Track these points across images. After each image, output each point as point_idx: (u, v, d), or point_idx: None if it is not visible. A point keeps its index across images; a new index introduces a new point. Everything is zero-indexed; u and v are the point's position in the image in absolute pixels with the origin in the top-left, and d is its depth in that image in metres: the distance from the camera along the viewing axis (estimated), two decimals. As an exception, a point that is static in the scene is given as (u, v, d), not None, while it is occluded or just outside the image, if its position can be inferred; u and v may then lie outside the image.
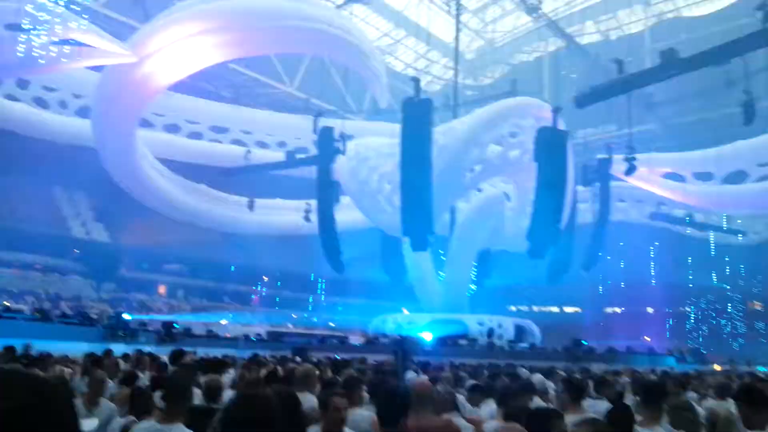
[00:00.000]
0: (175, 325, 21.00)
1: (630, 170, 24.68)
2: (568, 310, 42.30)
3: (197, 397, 5.55)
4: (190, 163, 29.69)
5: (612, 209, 28.72)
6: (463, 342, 24.43)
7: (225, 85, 35.78)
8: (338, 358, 12.85)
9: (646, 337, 34.62)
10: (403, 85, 33.00)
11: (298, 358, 11.80)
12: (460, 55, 41.11)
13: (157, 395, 4.61)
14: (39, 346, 10.66)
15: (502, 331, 26.25)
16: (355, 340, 25.16)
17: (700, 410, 5.01)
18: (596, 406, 5.18)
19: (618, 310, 40.28)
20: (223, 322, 27.35)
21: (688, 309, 38.38)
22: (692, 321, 37.77)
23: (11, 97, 25.84)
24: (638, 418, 3.93)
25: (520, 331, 27.17)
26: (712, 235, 33.62)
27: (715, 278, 37.42)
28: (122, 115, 22.18)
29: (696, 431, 4.23)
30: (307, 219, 28.26)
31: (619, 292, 36.66)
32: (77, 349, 10.69)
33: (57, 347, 10.19)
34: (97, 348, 10.67)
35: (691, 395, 7.07)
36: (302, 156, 28.47)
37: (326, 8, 26.87)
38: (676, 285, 37.09)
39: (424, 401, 4.17)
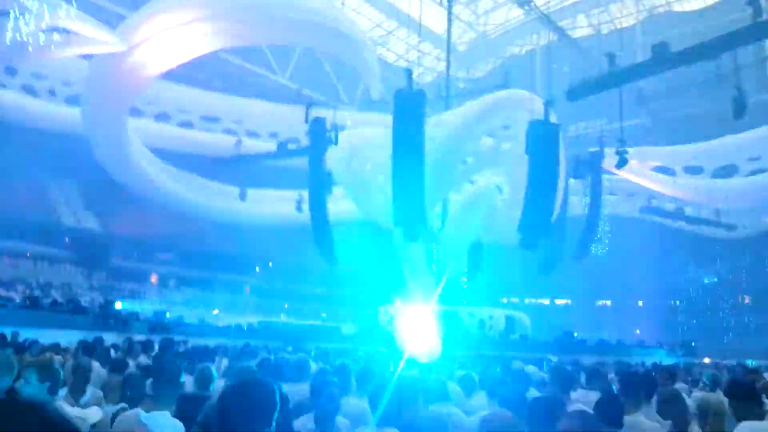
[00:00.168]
0: (166, 314, 20.97)
1: (621, 163, 24.81)
2: (559, 302, 42.61)
3: (189, 385, 5.57)
4: (180, 152, 29.56)
5: (603, 202, 28.89)
6: (454, 333, 24.52)
7: (216, 75, 35.57)
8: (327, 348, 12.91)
9: (636, 330, 34.92)
10: (395, 76, 32.92)
11: (289, 348, 11.84)
12: (453, 47, 41.03)
13: (148, 383, 4.62)
14: (30, 334, 10.64)
15: (493, 322, 26.38)
16: (348, 330, 25.22)
17: (690, 401, 5.08)
18: (587, 397, 5.21)
19: (608, 302, 40.59)
20: (215, 311, 27.33)
21: (677, 302, 38.72)
22: (682, 314, 38.11)
23: (-1, 85, 25.60)
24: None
25: (511, 323, 27.33)
26: (702, 229, 33.84)
27: (704, 272, 37.76)
28: (112, 103, 22.04)
29: (685, 421, 4.29)
30: (299, 209, 28.21)
31: (610, 285, 36.91)
32: (68, 337, 10.66)
33: (48, 335, 10.17)
34: (89, 336, 10.65)
35: (681, 386, 7.15)
36: (294, 146, 28.40)
37: (319, -2, 26.72)
38: (666, 278, 37.40)
39: (417, 392, 4.21)
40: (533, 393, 5.33)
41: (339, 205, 26.38)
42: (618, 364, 11.30)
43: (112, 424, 4.00)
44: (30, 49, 17.82)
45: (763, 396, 4.45)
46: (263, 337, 17.10)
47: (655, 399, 4.77)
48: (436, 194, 23.72)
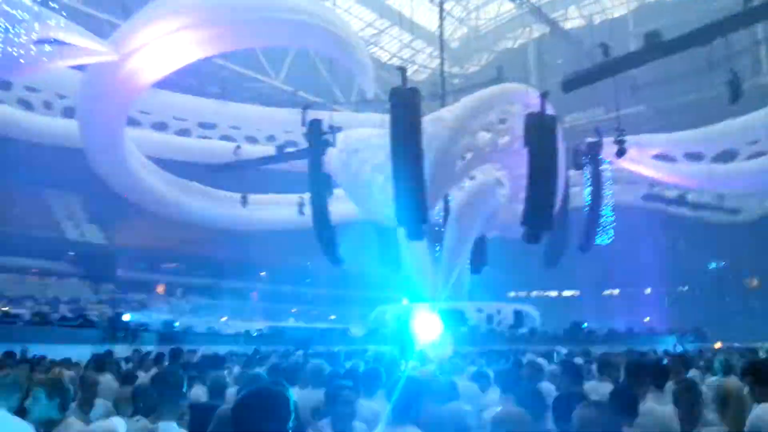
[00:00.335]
0: (174, 323, 20.99)
1: (620, 153, 24.77)
2: (567, 293, 42.60)
3: (202, 395, 5.59)
4: (179, 160, 29.58)
5: (605, 192, 28.86)
6: (463, 329, 24.55)
7: (211, 81, 35.58)
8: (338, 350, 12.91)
9: (645, 318, 34.90)
10: (389, 75, 32.96)
11: (299, 352, 11.85)
12: (445, 44, 41.02)
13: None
14: (39, 350, 10.66)
15: (502, 317, 26.38)
16: (356, 331, 25.23)
17: (704, 388, 5.08)
18: (600, 388, 5.19)
19: (616, 292, 40.57)
20: (224, 319, 27.36)
21: (685, 288, 38.69)
22: (689, 300, 38.09)
23: (-6, 100, 25.61)
24: None
25: (519, 317, 27.32)
26: (705, 215, 33.83)
27: (709, 257, 37.73)
28: (108, 113, 22.01)
29: (699, 408, 4.30)
30: (301, 212, 28.23)
31: (617, 275, 36.88)
32: (78, 351, 10.69)
33: (58, 350, 10.19)
34: (99, 350, 10.68)
35: (693, 373, 7.12)
36: (292, 150, 28.41)
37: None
38: (672, 265, 37.37)
39: (429, 391, 4.22)
40: (546, 386, 5.35)
41: (341, 206, 26.38)
42: (628, 353, 11.26)
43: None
44: (22, 61, 17.80)
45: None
46: (272, 343, 17.12)
47: (669, 387, 4.77)
48: (436, 192, 23.73)
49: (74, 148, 24.78)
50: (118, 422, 4.07)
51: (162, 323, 21.00)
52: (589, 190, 28.10)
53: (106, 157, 23.91)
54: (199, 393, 5.76)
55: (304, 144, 26.11)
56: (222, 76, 36.14)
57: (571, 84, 22.15)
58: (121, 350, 11.29)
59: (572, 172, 27.59)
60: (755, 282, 37.98)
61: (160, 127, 29.79)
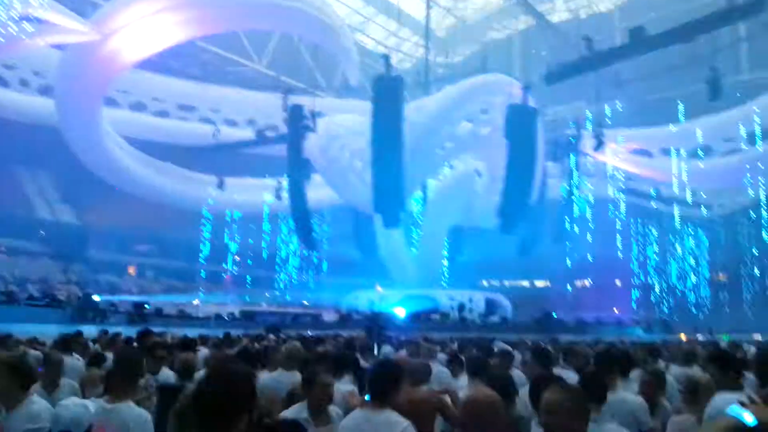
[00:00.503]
0: (146, 305, 20.79)
1: (598, 146, 25.04)
2: (539, 284, 43.03)
3: (171, 376, 5.52)
4: (157, 142, 29.17)
5: (580, 184, 29.17)
6: (435, 317, 24.69)
7: (192, 63, 35.04)
8: (311, 335, 12.89)
9: (614, 309, 35.37)
10: (373, 62, 32.74)
11: (271, 336, 11.79)
12: (431, 33, 40.90)
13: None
14: (5, 329, 10.46)
15: (473, 305, 26.58)
16: (329, 317, 25.21)
17: (669, 377, 5.17)
18: (563, 375, 5.26)
19: (587, 283, 41.05)
20: (195, 302, 27.13)
21: (654, 281, 39.29)
22: (658, 292, 38.70)
23: (-31, 76, 25.01)
24: None
25: (491, 305, 27.56)
26: (677, 209, 34.36)
27: (680, 250, 38.33)
28: (86, 93, 21.66)
29: (662, 396, 4.37)
30: (278, 197, 28.06)
31: (588, 266, 37.31)
32: (46, 331, 10.51)
33: (25, 330, 10.00)
34: (67, 330, 10.51)
35: (659, 363, 7.25)
36: (272, 134, 28.19)
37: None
38: (643, 258, 37.94)
39: (417, 376, 4.23)
40: (516, 372, 5.41)
41: (318, 191, 26.28)
42: (596, 342, 11.46)
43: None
44: (1, 39, 17.42)
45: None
46: (244, 327, 17.03)
47: (634, 375, 4.84)
48: (415, 179, 23.76)
49: (47, 126, 24.31)
50: (86, 403, 3.99)
51: (132, 304, 20.77)
52: (565, 182, 28.39)
53: (81, 135, 23.53)
54: (168, 375, 5.69)
55: (284, 129, 25.93)
56: (204, 59, 35.64)
57: (554, 76, 22.31)
58: (89, 331, 11.11)
59: (549, 164, 27.80)
60: (722, 276, 38.77)
61: (139, 107, 29.35)
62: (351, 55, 27.10)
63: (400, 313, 23.60)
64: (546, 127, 28.09)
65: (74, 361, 6.55)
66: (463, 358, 6.34)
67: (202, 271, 33.90)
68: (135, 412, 3.40)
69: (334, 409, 3.74)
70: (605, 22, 40.70)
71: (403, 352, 8.00)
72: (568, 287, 38.07)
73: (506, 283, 41.17)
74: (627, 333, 22.98)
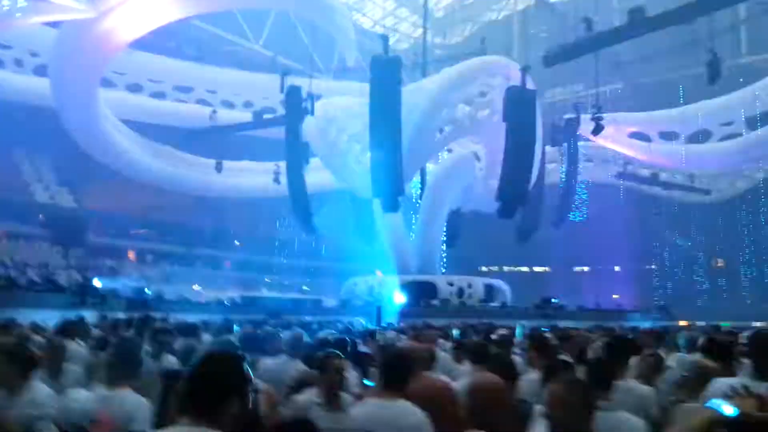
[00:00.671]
0: (146, 290, 20.81)
1: (597, 130, 24.94)
2: (538, 269, 43.13)
3: (174, 362, 5.54)
4: (153, 123, 28.99)
5: (579, 169, 29.13)
6: (435, 302, 24.74)
7: (188, 43, 34.67)
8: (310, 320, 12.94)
9: (614, 295, 35.55)
10: (371, 42, 32.50)
11: (272, 321, 11.82)
12: (429, 13, 40.52)
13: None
14: (6, 314, 10.48)
15: (472, 291, 26.63)
16: (329, 302, 25.27)
17: (672, 363, 5.19)
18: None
19: (586, 269, 41.19)
20: (196, 287, 27.16)
21: (653, 266, 39.40)
22: (657, 278, 38.84)
23: (-37, 56, 24.76)
24: None
25: (490, 291, 27.61)
26: (676, 194, 34.38)
27: (679, 236, 38.40)
28: (82, 73, 21.47)
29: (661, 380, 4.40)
30: (276, 181, 27.98)
31: (587, 251, 37.42)
32: (47, 316, 10.53)
33: (25, 315, 10.02)
34: (67, 315, 10.52)
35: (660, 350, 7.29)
36: (270, 116, 28.03)
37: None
38: (642, 243, 38.01)
39: (423, 363, 4.23)
40: (516, 358, 5.42)
41: (317, 175, 26.21)
42: (595, 328, 11.53)
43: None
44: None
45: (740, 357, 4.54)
46: (244, 312, 17.06)
47: (632, 362, 4.86)
48: (413, 164, 23.68)
49: (45, 108, 24.13)
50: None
51: (133, 290, 20.77)
52: (564, 167, 28.33)
53: (78, 116, 23.36)
54: (170, 360, 5.70)
55: (281, 111, 25.78)
56: (199, 38, 35.27)
57: (552, 58, 22.14)
58: (90, 316, 11.13)
59: (548, 148, 27.73)
60: (721, 262, 38.87)
61: (135, 88, 29.11)
62: (348, 35, 26.87)
63: (400, 299, 23.66)
64: (544, 111, 27.99)
65: (77, 346, 6.56)
66: (465, 343, 6.38)
67: (202, 255, 33.92)
68: (134, 399, 3.41)
69: (345, 395, 3.75)
70: (604, 3, 40.31)
71: (406, 339, 8.04)
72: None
73: (505, 268, 41.26)
74: (626, 319, 23.09)
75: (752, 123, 28.66)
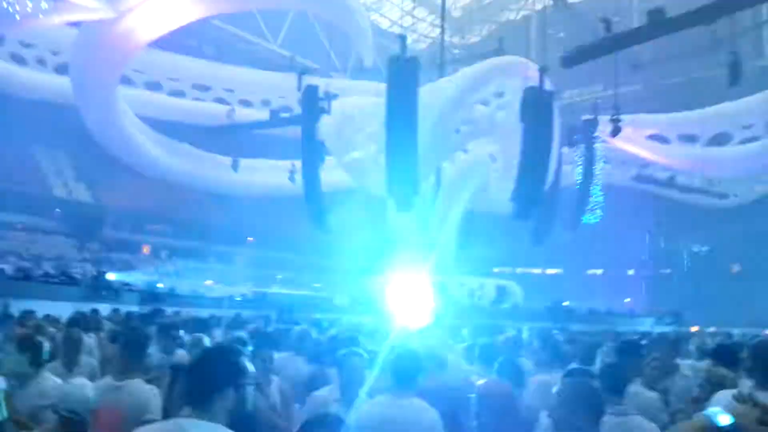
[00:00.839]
0: (159, 285, 20.97)
1: (615, 131, 24.69)
2: (550, 272, 42.85)
3: (185, 356, 5.57)
4: (172, 121, 29.23)
5: (596, 171, 28.83)
6: (445, 303, 24.65)
7: (207, 42, 34.98)
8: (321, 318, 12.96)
9: (626, 299, 35.21)
10: (388, 42, 32.52)
11: (281, 317, 11.86)
12: (447, 13, 40.41)
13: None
14: (20, 305, 10.61)
15: (484, 292, 26.52)
16: (340, 301, 25.32)
17: (687, 370, 5.11)
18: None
19: (599, 272, 40.84)
20: (208, 282, 27.35)
21: (668, 271, 38.96)
22: (672, 283, 38.40)
23: (-14, 54, 25.13)
24: None
25: (501, 292, 27.48)
26: (693, 198, 33.96)
27: (695, 241, 37.95)
28: (102, 71, 21.69)
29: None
30: (291, 179, 28.07)
31: (601, 255, 37.10)
32: (60, 308, 10.64)
33: (39, 307, 10.12)
34: (81, 307, 10.62)
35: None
36: (286, 115, 28.12)
37: (310, -37, 26.24)
38: (657, 247, 37.60)
39: (438, 361, 4.22)
40: (524, 361, 5.39)
41: (332, 174, 26.24)
42: (605, 332, 11.43)
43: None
44: (17, 17, 17.46)
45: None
46: (256, 308, 17.13)
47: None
48: (429, 164, 23.62)
49: (64, 105, 24.42)
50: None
51: (146, 284, 20.95)
52: (580, 168, 28.07)
53: (98, 114, 23.60)
54: (181, 355, 5.74)
55: (298, 110, 25.84)
56: (218, 38, 35.54)
57: (571, 59, 21.94)
58: (103, 310, 11.24)
59: (565, 150, 27.52)
60: (736, 268, 38.30)
61: (154, 87, 29.37)
62: (365, 35, 26.88)
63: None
64: (562, 111, 27.79)
65: (89, 339, 6.63)
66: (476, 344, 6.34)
67: (215, 251, 34.14)
68: (145, 389, 3.43)
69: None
70: (624, 3, 40.01)
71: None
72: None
73: (518, 270, 41.05)
74: (638, 323, 22.86)
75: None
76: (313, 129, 24.29)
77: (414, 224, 27.90)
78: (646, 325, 22.27)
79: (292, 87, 25.95)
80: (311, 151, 24.63)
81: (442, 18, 36.56)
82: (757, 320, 23.79)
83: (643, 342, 7.27)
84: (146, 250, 34.04)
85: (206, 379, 2.15)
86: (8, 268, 21.70)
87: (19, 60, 25.83)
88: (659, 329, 17.73)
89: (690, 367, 5.41)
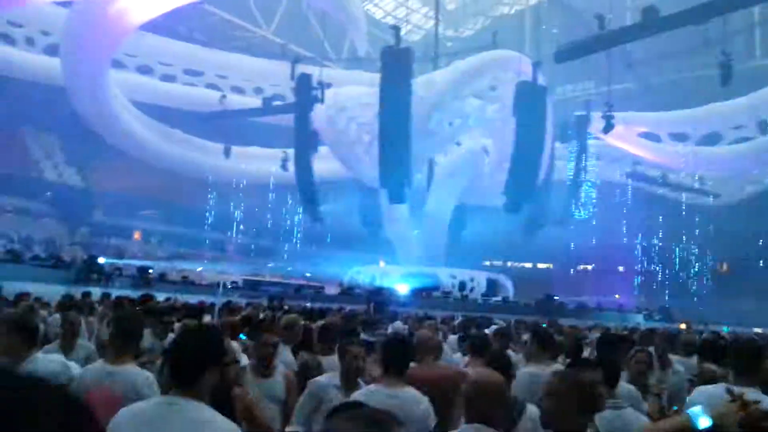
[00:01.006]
0: (150, 270, 20.89)
1: (607, 128, 24.84)
2: (541, 266, 43.01)
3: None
4: (163, 106, 29.02)
5: (588, 167, 29.01)
6: (437, 294, 24.79)
7: (198, 27, 34.65)
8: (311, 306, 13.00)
9: (616, 295, 35.40)
10: (382, 33, 32.38)
11: (273, 303, 11.89)
12: (441, 5, 40.33)
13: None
14: (10, 288, 10.57)
15: (474, 284, 26.64)
16: (331, 290, 25.34)
17: (679, 367, 5.18)
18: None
19: (589, 267, 41.04)
20: (199, 269, 27.27)
21: (657, 268, 39.22)
22: (661, 280, 38.66)
23: (-25, 33, 24.84)
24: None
25: (492, 285, 27.61)
26: (684, 196, 34.20)
27: (684, 238, 38.20)
28: (93, 53, 21.45)
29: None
30: (284, 168, 28.01)
31: (591, 250, 37.30)
32: (51, 291, 10.62)
33: (29, 289, 10.08)
34: (71, 291, 10.61)
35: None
36: (279, 103, 28.03)
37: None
38: (647, 244, 37.87)
39: (428, 350, 4.26)
40: (512, 353, 5.45)
41: (325, 164, 26.21)
42: (594, 327, 11.55)
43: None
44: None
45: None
46: (247, 296, 17.11)
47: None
48: (422, 155, 23.69)
49: (54, 87, 24.18)
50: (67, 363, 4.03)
51: (137, 269, 20.88)
52: (572, 164, 28.23)
53: (88, 97, 23.39)
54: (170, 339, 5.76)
55: (291, 98, 25.77)
56: (210, 23, 35.24)
57: (564, 55, 22.01)
58: (93, 293, 11.21)
59: (558, 145, 27.63)
60: (725, 267, 38.62)
61: (145, 70, 29.14)
62: (360, 24, 26.82)
63: (403, 289, 23.71)
64: (555, 107, 27.86)
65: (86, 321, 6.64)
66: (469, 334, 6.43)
67: (206, 238, 34.03)
68: (140, 373, 3.45)
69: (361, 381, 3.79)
70: (617, 0, 40.01)
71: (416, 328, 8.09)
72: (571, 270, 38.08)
73: (509, 263, 41.17)
74: (628, 319, 23.05)
75: (763, 127, 28.44)
76: (307, 117, 24.26)
77: (406, 215, 28.00)
78: (635, 321, 22.46)
79: (286, 75, 25.84)
80: (304, 140, 24.61)
81: (437, 10, 36.59)
82: (744, 319, 24.04)
83: (634, 337, 7.37)
84: (137, 235, 33.90)
85: (189, 359, 2.22)
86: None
87: (7, 39, 25.52)
88: (648, 325, 17.87)
89: (680, 363, 5.50)
